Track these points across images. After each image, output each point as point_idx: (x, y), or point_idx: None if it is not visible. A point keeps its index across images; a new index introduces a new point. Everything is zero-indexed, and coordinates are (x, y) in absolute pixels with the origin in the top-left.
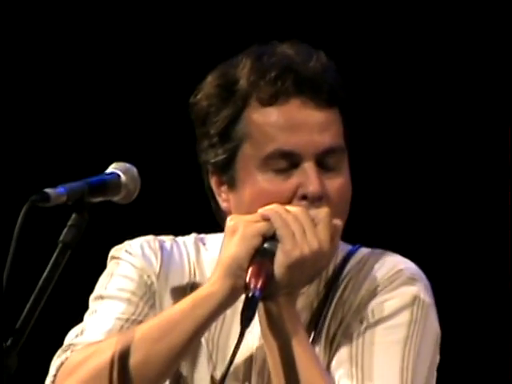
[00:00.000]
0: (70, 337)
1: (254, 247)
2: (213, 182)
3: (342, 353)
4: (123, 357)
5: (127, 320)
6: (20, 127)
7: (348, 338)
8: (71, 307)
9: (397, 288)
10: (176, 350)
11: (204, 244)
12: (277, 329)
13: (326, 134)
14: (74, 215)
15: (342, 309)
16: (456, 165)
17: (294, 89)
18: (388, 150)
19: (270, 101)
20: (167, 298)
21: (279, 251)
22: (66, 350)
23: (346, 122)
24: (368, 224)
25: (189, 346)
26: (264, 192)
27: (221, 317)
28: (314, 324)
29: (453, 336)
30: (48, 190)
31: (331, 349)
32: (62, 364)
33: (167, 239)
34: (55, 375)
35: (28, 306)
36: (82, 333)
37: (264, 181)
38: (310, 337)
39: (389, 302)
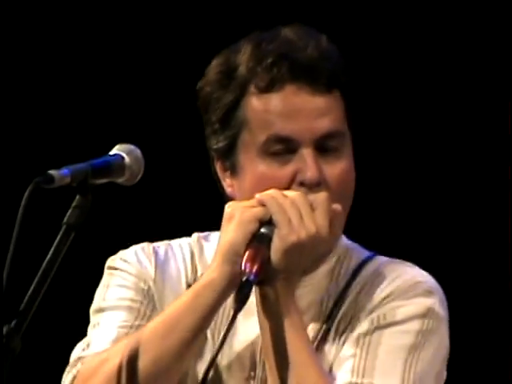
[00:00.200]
0: (77, 351)
1: (250, 232)
2: (218, 167)
3: (348, 349)
4: (134, 359)
5: (131, 327)
6: (24, 109)
7: (356, 336)
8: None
9: (412, 298)
10: (184, 343)
11: (208, 241)
12: (272, 313)
13: (324, 120)
14: (77, 197)
15: (353, 310)
16: (456, 165)
17: (289, 75)
18: (387, 150)
19: (267, 87)
20: (166, 301)
21: (276, 236)
22: (75, 365)
23: (348, 105)
24: (367, 224)
25: (196, 338)
26: (262, 178)
27: (226, 310)
28: (324, 321)
29: (453, 336)
30: (52, 172)
31: (339, 347)
32: (74, 378)
33: (161, 244)
34: None
35: (31, 288)
36: (88, 346)
37: (262, 167)
38: (318, 334)
39: (402, 308)
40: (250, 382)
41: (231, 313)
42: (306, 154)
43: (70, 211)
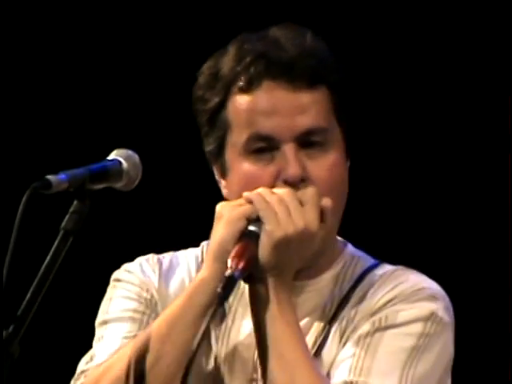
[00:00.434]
0: (81, 365)
1: (238, 230)
2: (214, 169)
3: (348, 350)
4: (137, 362)
5: (134, 337)
6: (22, 114)
7: (356, 337)
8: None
9: (416, 302)
10: (184, 342)
11: None
12: (264, 311)
13: (304, 116)
14: (75, 202)
15: (355, 312)
16: (456, 166)
17: (266, 73)
18: (385, 151)
19: (247, 87)
20: None
21: (263, 232)
22: (78, 378)
23: (338, 101)
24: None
25: (195, 338)
26: (247, 177)
27: (230, 315)
28: (326, 324)
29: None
30: (49, 177)
31: (340, 348)
32: None
33: (167, 255)
34: None
35: (29, 293)
36: (91, 359)
37: (246, 166)
38: (320, 335)
39: (405, 311)
40: None
41: (237, 314)
42: (288, 151)
43: (67, 216)
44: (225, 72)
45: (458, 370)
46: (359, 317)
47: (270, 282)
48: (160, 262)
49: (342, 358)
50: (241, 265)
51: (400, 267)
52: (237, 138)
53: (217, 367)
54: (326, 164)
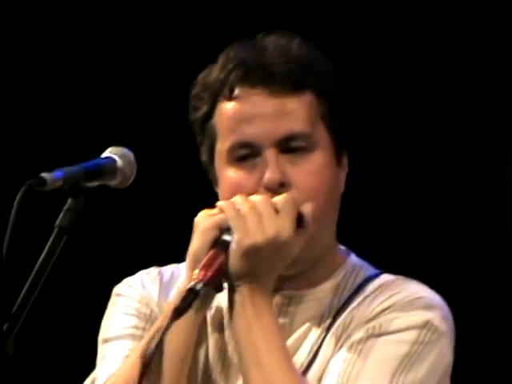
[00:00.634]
0: None
1: (210, 240)
2: (210, 178)
3: (340, 356)
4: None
5: None
6: (16, 112)
7: (350, 343)
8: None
9: (412, 310)
10: (175, 354)
11: None
12: (240, 316)
13: (284, 122)
14: (70, 200)
15: (351, 320)
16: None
17: (245, 80)
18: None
19: (229, 95)
20: None
21: (232, 241)
22: None
23: (326, 105)
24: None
25: (186, 347)
26: (232, 186)
27: (227, 332)
28: (322, 331)
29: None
30: (44, 175)
31: (334, 354)
32: None
33: (169, 267)
34: None
35: (24, 291)
36: (94, 381)
37: (231, 174)
38: (316, 343)
39: (399, 319)
40: None
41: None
42: (268, 156)
43: (62, 214)
44: (211, 81)
45: (459, 374)
46: (354, 324)
47: (245, 288)
48: (161, 275)
49: (333, 363)
50: (207, 275)
51: (401, 277)
52: (222, 146)
53: (212, 374)
54: (308, 169)
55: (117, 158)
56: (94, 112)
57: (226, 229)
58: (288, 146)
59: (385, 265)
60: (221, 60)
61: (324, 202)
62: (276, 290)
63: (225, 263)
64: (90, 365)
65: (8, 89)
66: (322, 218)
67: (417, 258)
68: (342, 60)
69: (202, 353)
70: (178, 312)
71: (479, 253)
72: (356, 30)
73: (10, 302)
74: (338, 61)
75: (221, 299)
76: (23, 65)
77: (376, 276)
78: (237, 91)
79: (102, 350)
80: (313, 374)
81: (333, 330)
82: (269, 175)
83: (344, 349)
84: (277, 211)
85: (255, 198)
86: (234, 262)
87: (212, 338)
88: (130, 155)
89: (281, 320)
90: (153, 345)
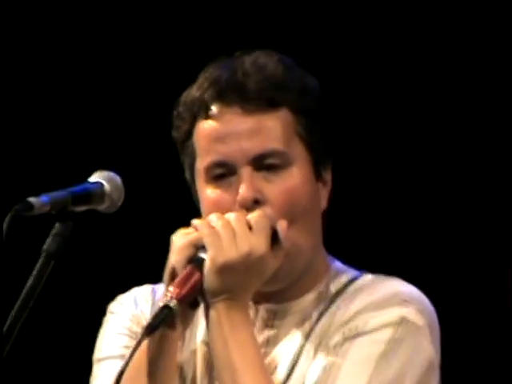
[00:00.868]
0: None
1: (185, 258)
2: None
3: (317, 363)
4: None
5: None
6: (2, 136)
7: (327, 348)
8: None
9: (387, 307)
10: (159, 375)
11: None
12: (216, 333)
13: (257, 140)
14: (57, 224)
15: (329, 324)
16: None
17: (218, 98)
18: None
19: (205, 113)
20: None
21: (207, 258)
22: None
23: (303, 122)
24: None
25: (168, 368)
26: (210, 205)
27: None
28: (302, 339)
29: (452, 338)
30: (31, 199)
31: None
32: None
33: (162, 284)
34: None
35: (11, 316)
36: None
37: (208, 193)
38: (296, 351)
39: (374, 318)
40: None
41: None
42: (243, 174)
43: (49, 239)
44: (189, 100)
45: (457, 371)
46: (333, 328)
47: (221, 305)
48: (154, 292)
49: (311, 371)
50: (181, 293)
51: (381, 276)
52: (200, 165)
53: None
54: (283, 186)
55: (104, 182)
56: (81, 137)
57: (201, 246)
58: (262, 163)
59: (381, 269)
60: (199, 79)
61: (302, 218)
62: (261, 303)
63: (200, 280)
64: None
65: None
66: (297, 235)
67: (417, 260)
68: (334, 67)
69: (190, 365)
70: (150, 329)
71: (479, 253)
72: (344, 39)
73: None
74: (329, 72)
75: None
76: (12, 87)
77: (356, 278)
78: (212, 110)
79: (96, 370)
80: (293, 383)
81: (313, 336)
82: (242, 193)
83: (322, 354)
84: (251, 228)
85: (229, 215)
86: (209, 279)
87: (200, 351)
88: (118, 179)
89: (266, 333)
90: (123, 363)
